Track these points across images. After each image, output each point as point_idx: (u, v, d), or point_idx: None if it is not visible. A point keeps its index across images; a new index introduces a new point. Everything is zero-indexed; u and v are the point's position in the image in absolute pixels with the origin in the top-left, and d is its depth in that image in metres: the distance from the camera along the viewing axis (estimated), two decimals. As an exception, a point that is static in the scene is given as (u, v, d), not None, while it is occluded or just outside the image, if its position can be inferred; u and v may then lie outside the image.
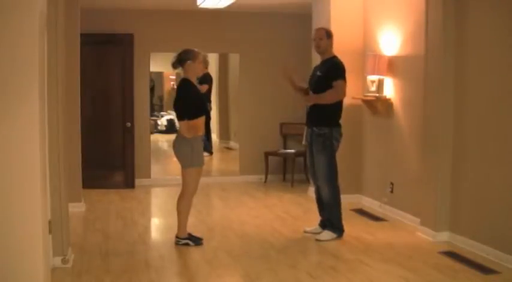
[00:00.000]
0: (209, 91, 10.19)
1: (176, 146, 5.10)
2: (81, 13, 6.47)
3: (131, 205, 6.95)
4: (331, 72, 5.24)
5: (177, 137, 5.13)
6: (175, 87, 11.19)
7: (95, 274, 4.35)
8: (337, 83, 5.19)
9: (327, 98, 5.21)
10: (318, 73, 5.36)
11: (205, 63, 5.19)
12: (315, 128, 5.30)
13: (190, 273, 4.57)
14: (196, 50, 5.10)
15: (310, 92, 5.42)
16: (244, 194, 7.56)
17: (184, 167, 5.06)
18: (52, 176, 4.28)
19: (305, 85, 5.60)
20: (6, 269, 3.03)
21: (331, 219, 5.36)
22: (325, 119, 5.27)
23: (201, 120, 5.03)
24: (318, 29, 5.46)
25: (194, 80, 5.12)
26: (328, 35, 5.34)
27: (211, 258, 4.80)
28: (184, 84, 5.07)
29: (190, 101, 5.00)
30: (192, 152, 5.00)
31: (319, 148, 5.28)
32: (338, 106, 5.30)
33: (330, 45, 5.34)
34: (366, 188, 6.92)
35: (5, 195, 3.00)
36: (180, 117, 5.06)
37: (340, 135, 5.31)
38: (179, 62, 5.07)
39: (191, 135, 5.00)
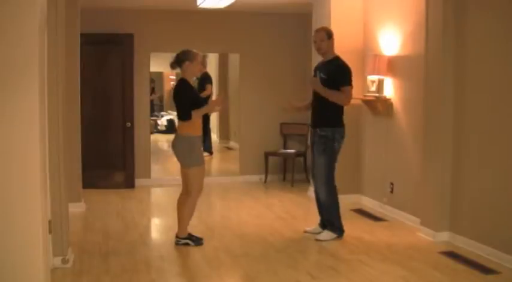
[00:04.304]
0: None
1: (175, 145, 5.11)
2: (81, 13, 6.48)
3: (131, 205, 6.95)
4: (338, 76, 5.20)
5: (176, 137, 5.14)
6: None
7: (95, 274, 4.35)
8: (346, 89, 5.19)
9: (333, 97, 5.18)
10: (322, 75, 5.30)
11: (204, 63, 5.21)
12: (317, 129, 5.30)
13: (190, 273, 4.57)
14: (194, 50, 5.11)
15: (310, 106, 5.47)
16: (244, 194, 7.56)
17: (185, 166, 5.07)
18: (52, 176, 4.28)
19: (304, 101, 5.67)
20: (6, 269, 3.02)
21: (331, 220, 5.36)
22: (327, 120, 5.25)
23: (198, 120, 5.05)
24: (318, 31, 5.38)
25: (191, 80, 5.14)
26: (329, 35, 5.27)
27: (211, 258, 4.80)
28: (181, 84, 5.08)
29: (187, 101, 5.00)
30: (191, 151, 5.01)
31: (320, 149, 5.27)
32: (340, 107, 5.28)
33: (331, 45, 5.29)
34: (366, 188, 6.92)
35: (5, 195, 3.00)
36: (179, 116, 5.06)
37: (342, 136, 5.29)
38: (177, 62, 5.08)
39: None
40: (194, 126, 5.03)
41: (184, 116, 4.98)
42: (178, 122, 5.11)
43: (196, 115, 4.99)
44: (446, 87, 5.16)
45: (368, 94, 6.56)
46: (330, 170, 5.28)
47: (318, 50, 5.34)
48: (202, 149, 5.22)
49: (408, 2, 5.97)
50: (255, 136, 8.52)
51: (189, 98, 5.01)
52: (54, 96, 4.28)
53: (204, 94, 9.57)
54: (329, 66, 5.29)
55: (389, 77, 6.28)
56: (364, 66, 6.57)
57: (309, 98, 5.56)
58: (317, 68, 5.46)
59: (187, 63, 5.04)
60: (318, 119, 5.33)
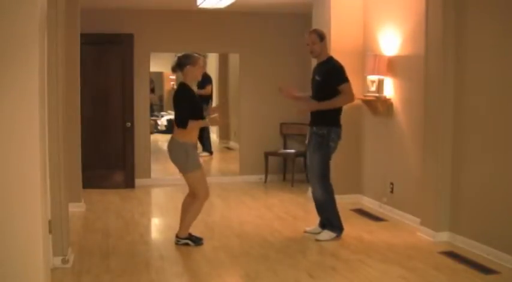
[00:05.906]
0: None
1: (171, 151, 5.10)
2: (81, 13, 6.47)
3: (131, 205, 6.95)
4: (332, 76, 5.19)
5: (171, 142, 5.11)
6: (175, 87, 11.19)
7: (95, 274, 4.35)
8: (344, 87, 5.16)
9: (337, 103, 5.20)
10: (317, 77, 5.30)
11: (204, 64, 5.20)
12: (315, 128, 5.31)
13: (191, 273, 4.57)
14: (196, 54, 5.10)
15: (311, 100, 5.41)
16: (244, 194, 7.56)
17: (184, 171, 5.06)
18: (52, 176, 4.28)
19: (305, 93, 5.61)
20: (6, 269, 3.02)
21: (329, 219, 5.36)
22: (325, 119, 5.25)
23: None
24: (310, 33, 5.35)
25: (192, 85, 5.12)
26: (321, 37, 5.25)
27: (211, 258, 4.80)
28: (181, 90, 5.07)
29: (186, 109, 4.98)
30: (188, 156, 4.99)
31: (315, 147, 5.27)
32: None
33: (324, 47, 5.29)
34: (366, 188, 6.92)
35: (5, 195, 3.00)
36: (176, 123, 5.05)
37: (338, 136, 5.28)
38: (179, 66, 5.07)
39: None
40: (191, 134, 5.02)
41: (181, 124, 4.96)
42: (175, 126, 5.11)
43: (193, 126, 4.98)
44: (446, 87, 5.16)
45: (368, 94, 6.56)
46: (324, 168, 5.28)
47: (311, 52, 5.33)
48: (197, 153, 5.24)
49: (408, 2, 5.97)
50: (255, 136, 8.53)
51: (188, 105, 4.99)
52: (54, 96, 4.28)
53: (203, 92, 9.55)
54: (323, 67, 5.28)
55: (389, 77, 6.28)
56: (364, 66, 6.57)
57: (309, 91, 5.54)
58: (314, 70, 5.47)
59: (188, 67, 5.02)
60: (315, 117, 5.32)
